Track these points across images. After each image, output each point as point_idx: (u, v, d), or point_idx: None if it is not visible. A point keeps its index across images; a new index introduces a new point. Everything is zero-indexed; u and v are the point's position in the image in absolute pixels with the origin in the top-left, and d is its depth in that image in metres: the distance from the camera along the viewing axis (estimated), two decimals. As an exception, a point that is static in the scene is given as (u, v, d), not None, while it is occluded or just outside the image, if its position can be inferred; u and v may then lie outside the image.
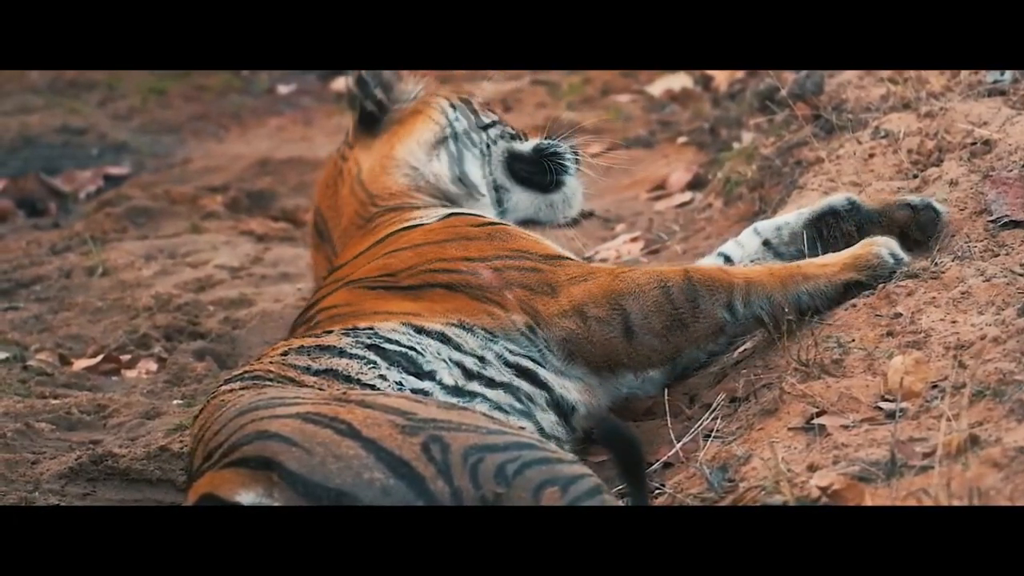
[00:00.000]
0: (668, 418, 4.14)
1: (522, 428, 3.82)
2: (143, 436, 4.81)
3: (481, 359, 4.08)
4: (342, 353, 3.96)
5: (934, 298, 4.02)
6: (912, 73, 5.21)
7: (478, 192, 4.72)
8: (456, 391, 3.99)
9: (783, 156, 5.61)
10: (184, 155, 8.30)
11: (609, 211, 6.54)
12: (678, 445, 4.02)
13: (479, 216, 4.58)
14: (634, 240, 6.09)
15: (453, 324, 4.13)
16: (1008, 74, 5.01)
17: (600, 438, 3.79)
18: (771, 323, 4.14)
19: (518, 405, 4.04)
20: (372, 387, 3.88)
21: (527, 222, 4.73)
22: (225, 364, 5.46)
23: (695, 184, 6.56)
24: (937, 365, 3.75)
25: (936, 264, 4.15)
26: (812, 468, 3.51)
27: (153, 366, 5.54)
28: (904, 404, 3.65)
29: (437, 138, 4.75)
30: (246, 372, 3.96)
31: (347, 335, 4.05)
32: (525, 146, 4.83)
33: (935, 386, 3.68)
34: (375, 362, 3.96)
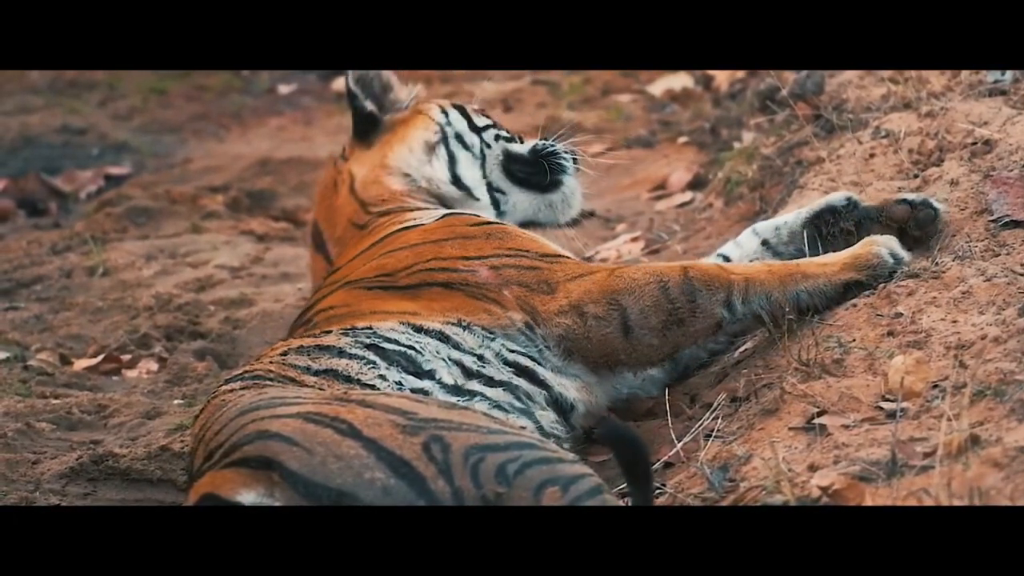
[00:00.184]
0: (669, 418, 4.13)
1: (523, 428, 3.82)
2: (144, 436, 4.81)
3: (480, 357, 4.08)
4: (341, 353, 3.97)
5: (935, 298, 4.02)
6: (913, 73, 5.21)
7: (474, 194, 4.72)
8: (456, 390, 3.99)
9: (784, 156, 5.60)
10: (185, 155, 8.30)
11: (610, 211, 6.54)
12: (679, 445, 4.02)
13: (477, 216, 4.58)
14: (635, 240, 6.09)
15: (451, 323, 4.13)
16: (1009, 74, 5.01)
17: (604, 440, 3.79)
18: (770, 321, 4.14)
19: (517, 404, 4.05)
20: (372, 387, 3.88)
21: (527, 224, 4.73)
22: (226, 364, 5.46)
23: (696, 184, 6.56)
24: (938, 365, 3.75)
25: (937, 264, 4.15)
26: (813, 468, 3.51)
27: (154, 366, 5.54)
28: (905, 404, 3.65)
29: (431, 142, 4.75)
30: (246, 372, 3.96)
31: (346, 335, 4.05)
32: (522, 148, 4.82)
33: (936, 386, 3.68)
34: (374, 362, 3.96)
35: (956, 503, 3.17)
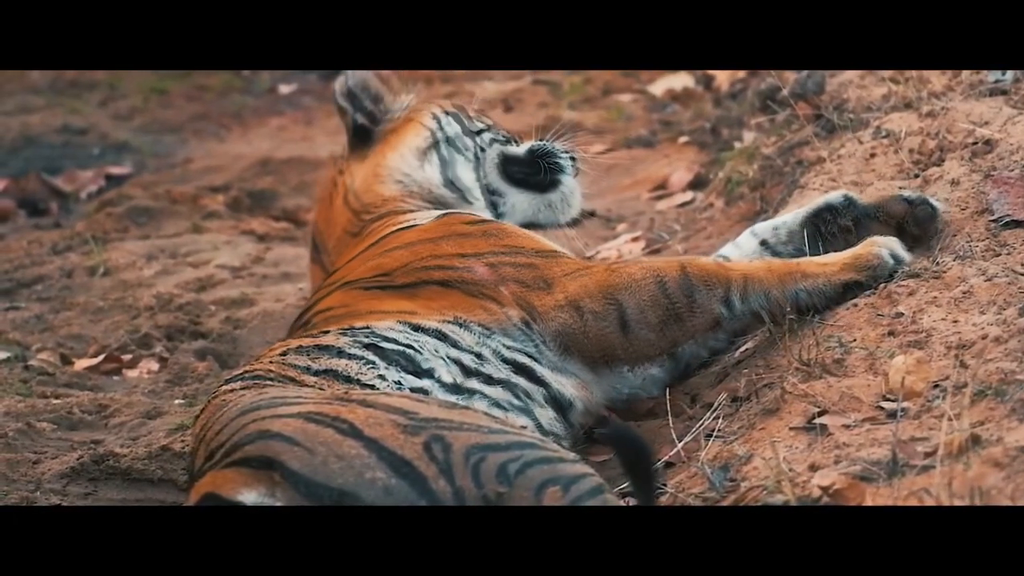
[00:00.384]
0: (670, 418, 4.13)
1: (523, 427, 3.82)
2: (144, 436, 4.81)
3: (478, 356, 4.09)
4: (340, 353, 3.97)
5: (935, 298, 4.02)
6: (913, 73, 5.21)
7: (470, 196, 4.72)
8: (455, 388, 3.99)
9: (784, 156, 5.61)
10: (185, 155, 8.30)
11: (610, 211, 6.54)
12: (680, 445, 4.02)
13: (474, 215, 4.59)
14: (635, 240, 6.09)
15: (449, 321, 4.14)
16: (1009, 74, 5.01)
17: (607, 441, 3.80)
18: (769, 320, 4.15)
19: (516, 402, 4.05)
20: (371, 387, 3.89)
21: (528, 226, 4.73)
22: (226, 364, 5.47)
23: (696, 184, 6.56)
24: (938, 365, 3.75)
25: (938, 264, 4.15)
26: (814, 468, 3.51)
27: (154, 366, 5.54)
28: (906, 404, 3.65)
29: (426, 145, 4.75)
30: (246, 372, 3.96)
31: (344, 335, 4.05)
32: (519, 149, 4.83)
33: (936, 386, 3.68)
34: (374, 362, 3.96)
35: (957, 503, 3.17)
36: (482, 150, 4.79)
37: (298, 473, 3.30)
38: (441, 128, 4.79)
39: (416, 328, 4.10)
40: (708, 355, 4.50)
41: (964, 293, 3.99)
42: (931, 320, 3.95)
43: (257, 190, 7.44)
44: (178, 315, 5.86)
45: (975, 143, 4.65)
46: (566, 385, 4.16)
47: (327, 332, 4.09)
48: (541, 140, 4.82)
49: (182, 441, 4.52)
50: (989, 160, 4.54)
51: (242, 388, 3.81)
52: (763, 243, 4.54)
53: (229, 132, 8.72)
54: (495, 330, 4.15)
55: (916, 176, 4.70)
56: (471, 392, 4.00)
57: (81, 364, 5.57)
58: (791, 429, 3.78)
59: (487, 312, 4.17)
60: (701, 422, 4.08)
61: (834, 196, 4.45)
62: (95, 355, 5.63)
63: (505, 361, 4.11)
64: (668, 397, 4.24)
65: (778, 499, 3.42)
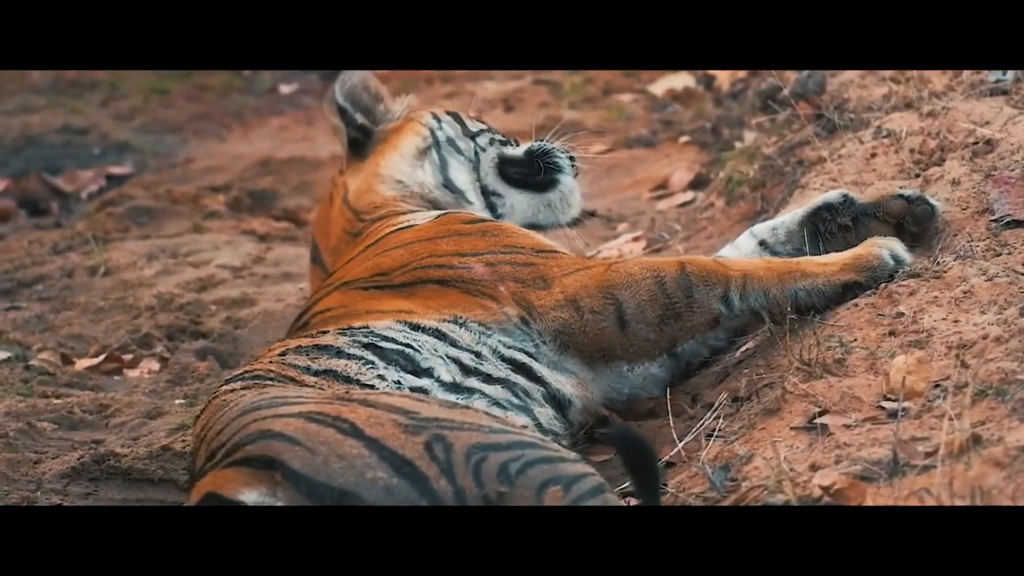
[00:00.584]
0: (670, 418, 4.13)
1: (524, 427, 3.82)
2: (145, 436, 4.81)
3: (477, 354, 4.09)
4: (340, 353, 3.97)
5: (936, 297, 4.02)
6: (914, 73, 5.21)
7: (466, 198, 4.72)
8: (454, 387, 3.99)
9: (785, 155, 5.60)
10: (186, 155, 8.30)
11: (611, 210, 6.54)
12: (680, 444, 4.02)
13: (472, 214, 4.59)
14: (636, 240, 6.09)
15: (447, 320, 4.14)
16: (1010, 74, 5.01)
17: (611, 442, 3.80)
18: (768, 318, 4.15)
19: (515, 400, 4.05)
20: (371, 387, 3.89)
21: (528, 226, 4.72)
22: (227, 364, 5.47)
23: (697, 183, 6.56)
24: (939, 364, 3.75)
25: (938, 263, 4.15)
26: (814, 467, 3.51)
27: (155, 365, 5.54)
28: (906, 403, 3.65)
29: (420, 148, 4.76)
30: (246, 372, 3.96)
31: (343, 334, 4.05)
32: (517, 150, 4.83)
33: (937, 385, 3.68)
34: (373, 362, 3.96)
35: (958, 503, 3.17)
36: (480, 152, 4.79)
37: (299, 473, 3.30)
38: (439, 130, 4.80)
39: (414, 327, 4.11)
40: (708, 354, 4.50)
41: (965, 293, 3.99)
42: (932, 320, 3.94)
43: (258, 190, 7.44)
44: (179, 315, 5.86)
45: (976, 143, 4.65)
46: (564, 383, 4.16)
47: (325, 332, 4.09)
48: (539, 140, 4.82)
49: (183, 441, 4.52)
50: (990, 160, 4.54)
51: (242, 388, 3.81)
52: (761, 243, 4.54)
53: (230, 132, 8.73)
54: (493, 328, 4.16)
55: (917, 176, 4.70)
56: (470, 391, 4.00)
57: (82, 364, 5.57)
58: (792, 429, 3.78)
59: (485, 310, 4.17)
60: (702, 422, 4.08)
61: (832, 195, 4.46)
62: (96, 355, 5.63)
63: (504, 359, 4.11)
64: (669, 397, 4.24)
65: (779, 499, 3.42)
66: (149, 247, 6.70)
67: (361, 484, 3.28)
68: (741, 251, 4.56)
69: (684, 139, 7.21)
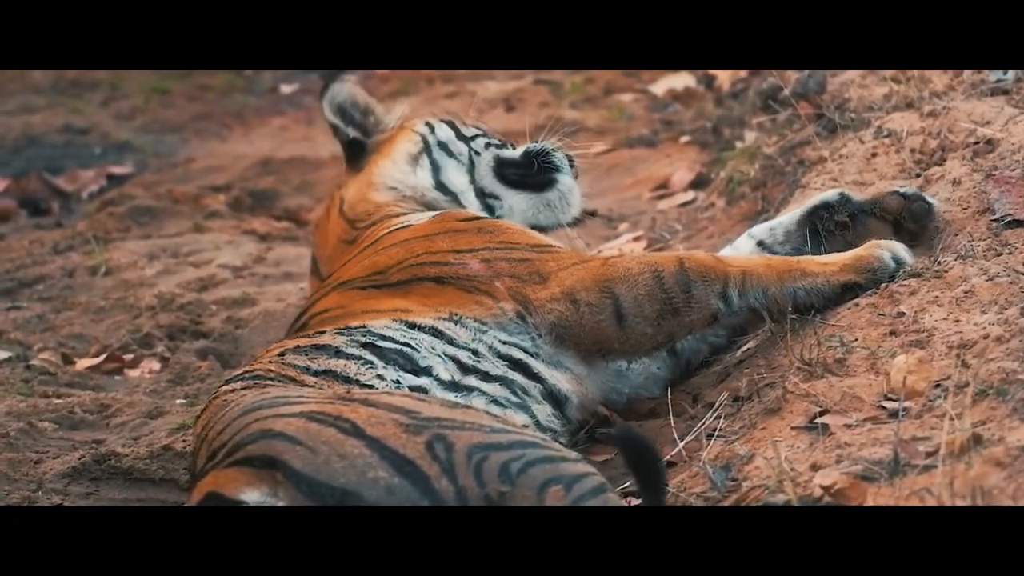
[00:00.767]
0: (671, 417, 4.13)
1: (525, 426, 3.83)
2: (146, 435, 4.81)
3: (475, 352, 4.09)
4: (338, 353, 3.97)
5: (937, 297, 4.02)
6: (915, 72, 5.21)
7: (462, 200, 4.72)
8: (453, 386, 3.99)
9: (786, 155, 5.61)
10: (187, 154, 8.31)
11: (612, 210, 6.54)
12: (681, 444, 4.02)
13: (469, 212, 4.59)
14: (637, 239, 6.09)
15: (444, 318, 4.14)
16: (1011, 73, 5.01)
17: (615, 443, 3.79)
18: (767, 317, 4.15)
19: (514, 398, 4.05)
20: (370, 387, 3.89)
21: (530, 228, 4.72)
22: (228, 363, 5.47)
23: (698, 183, 6.57)
24: (940, 364, 3.75)
25: (939, 263, 4.15)
26: (815, 467, 3.51)
27: (156, 365, 5.54)
28: (907, 403, 3.65)
29: (413, 153, 4.76)
30: (246, 372, 3.96)
31: (341, 334, 4.05)
32: (515, 152, 4.82)
33: (938, 385, 3.68)
34: (371, 361, 3.96)
35: (959, 503, 3.17)
36: (476, 154, 4.79)
37: (300, 472, 3.30)
38: (432, 134, 4.80)
39: (412, 326, 4.11)
40: (709, 351, 4.50)
41: (966, 293, 3.99)
42: (933, 320, 3.95)
43: (259, 190, 7.45)
44: (179, 315, 5.86)
45: (977, 143, 4.65)
46: (560, 380, 4.16)
47: (323, 332, 4.09)
48: (537, 142, 4.81)
49: (184, 441, 4.52)
50: (991, 160, 4.54)
51: (243, 388, 3.81)
52: (760, 243, 4.55)
53: (231, 132, 8.73)
54: (490, 324, 4.16)
55: (918, 176, 4.70)
56: (469, 389, 4.00)
57: (83, 364, 5.57)
58: (793, 428, 3.78)
59: (482, 307, 4.17)
60: (703, 422, 4.08)
61: (830, 194, 4.47)
62: (97, 355, 5.63)
63: (500, 357, 4.11)
64: (669, 397, 4.24)
65: (780, 499, 3.42)
66: (150, 247, 6.70)
67: (362, 484, 3.28)
68: (740, 252, 4.56)
69: (685, 139, 7.21)
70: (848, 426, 3.67)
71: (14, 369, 5.42)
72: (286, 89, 9.29)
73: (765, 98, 6.24)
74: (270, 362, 3.98)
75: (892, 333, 3.97)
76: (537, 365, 4.14)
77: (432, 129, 4.82)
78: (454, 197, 4.73)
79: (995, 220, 4.27)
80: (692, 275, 4.15)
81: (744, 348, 4.39)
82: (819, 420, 3.74)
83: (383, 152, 4.80)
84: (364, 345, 4.00)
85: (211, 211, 7.14)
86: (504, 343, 4.13)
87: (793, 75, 5.82)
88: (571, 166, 4.81)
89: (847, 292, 4.16)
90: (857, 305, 4.11)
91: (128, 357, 5.60)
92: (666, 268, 4.16)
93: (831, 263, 4.19)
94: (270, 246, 6.70)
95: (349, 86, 4.88)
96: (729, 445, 3.87)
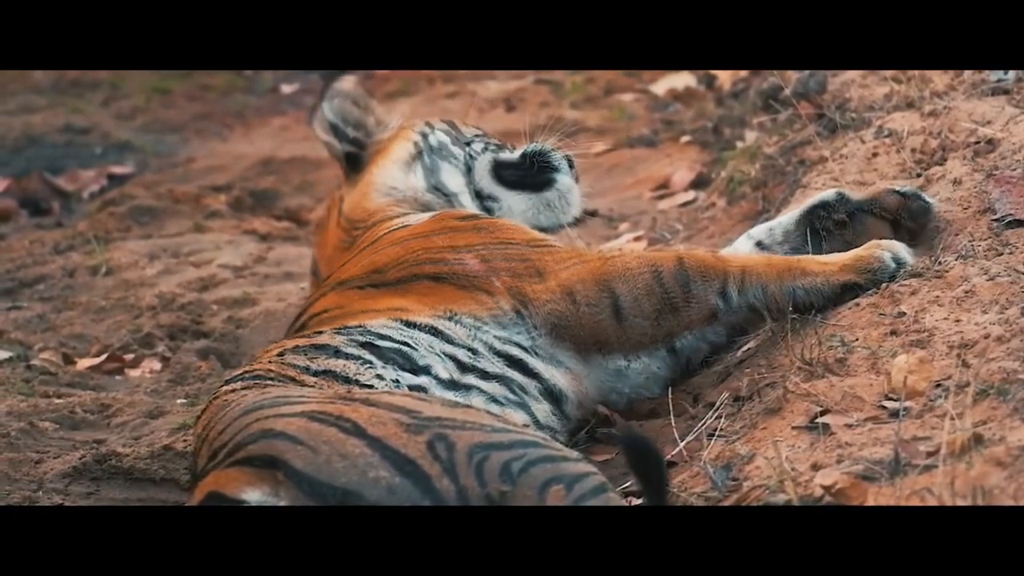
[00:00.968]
0: (672, 417, 4.13)
1: (525, 425, 3.83)
2: (147, 435, 4.81)
3: (473, 351, 4.09)
4: (337, 353, 3.97)
5: (938, 297, 4.02)
6: (915, 72, 5.21)
7: (458, 201, 4.72)
8: (452, 385, 4.00)
9: (786, 155, 5.61)
10: (187, 154, 8.31)
11: (612, 210, 6.54)
12: (682, 444, 4.02)
13: (467, 211, 4.60)
14: (638, 239, 6.10)
15: (441, 316, 4.14)
16: (1012, 73, 5.01)
17: (620, 444, 3.79)
18: (767, 315, 4.15)
19: (512, 396, 4.05)
20: (370, 386, 3.89)
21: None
22: (229, 363, 5.47)
23: (698, 183, 6.57)
24: (941, 364, 3.75)
25: (940, 263, 4.15)
26: (816, 467, 3.51)
27: (157, 365, 5.54)
28: (908, 403, 3.65)
29: (411, 154, 4.77)
30: (247, 372, 3.96)
31: (339, 334, 4.05)
32: (513, 154, 4.82)
33: (939, 385, 3.68)
34: (370, 361, 3.96)
35: (959, 502, 3.17)
36: (472, 157, 4.79)
37: (302, 472, 3.30)
38: (429, 136, 4.81)
39: (410, 324, 4.11)
40: (708, 349, 4.50)
41: (966, 292, 3.99)
42: (933, 319, 3.95)
43: (259, 190, 7.45)
44: (180, 315, 5.86)
45: (977, 142, 4.65)
46: (558, 377, 4.16)
47: (322, 332, 4.09)
48: (536, 143, 4.81)
49: (184, 441, 4.52)
50: (991, 159, 4.54)
51: (243, 388, 3.81)
52: (758, 244, 4.55)
53: (231, 132, 8.73)
54: (488, 322, 4.16)
55: (918, 175, 4.70)
56: (468, 388, 4.01)
57: (83, 364, 5.57)
58: (793, 428, 3.78)
59: (479, 304, 4.17)
60: (703, 421, 4.08)
61: (828, 193, 4.47)
62: (97, 355, 5.63)
63: (498, 354, 4.11)
64: (670, 396, 4.24)
65: (780, 498, 3.43)
66: (150, 247, 6.70)
67: (363, 483, 3.28)
68: (738, 252, 4.56)
69: (685, 139, 7.22)
70: (849, 426, 3.67)
71: (15, 369, 5.42)
72: (287, 89, 9.29)
73: (766, 98, 6.24)
74: (270, 362, 3.98)
75: (893, 333, 3.97)
76: (534, 362, 4.14)
77: (429, 131, 4.83)
78: (451, 198, 4.73)
79: (996, 220, 4.27)
80: (691, 272, 4.15)
81: (745, 348, 4.39)
82: (820, 420, 3.74)
83: (383, 153, 4.81)
84: (363, 345, 4.00)
85: (212, 211, 7.14)
86: (501, 340, 4.13)
87: (794, 75, 5.83)
88: (571, 166, 4.80)
89: (847, 292, 4.16)
90: (858, 305, 4.11)
91: (129, 357, 5.60)
92: (665, 265, 4.16)
93: (831, 263, 4.20)
94: (271, 246, 6.70)
95: (338, 101, 4.89)
96: (730, 445, 3.87)
